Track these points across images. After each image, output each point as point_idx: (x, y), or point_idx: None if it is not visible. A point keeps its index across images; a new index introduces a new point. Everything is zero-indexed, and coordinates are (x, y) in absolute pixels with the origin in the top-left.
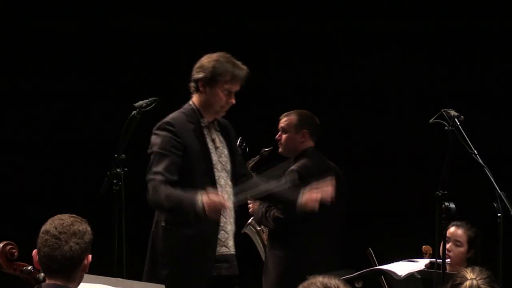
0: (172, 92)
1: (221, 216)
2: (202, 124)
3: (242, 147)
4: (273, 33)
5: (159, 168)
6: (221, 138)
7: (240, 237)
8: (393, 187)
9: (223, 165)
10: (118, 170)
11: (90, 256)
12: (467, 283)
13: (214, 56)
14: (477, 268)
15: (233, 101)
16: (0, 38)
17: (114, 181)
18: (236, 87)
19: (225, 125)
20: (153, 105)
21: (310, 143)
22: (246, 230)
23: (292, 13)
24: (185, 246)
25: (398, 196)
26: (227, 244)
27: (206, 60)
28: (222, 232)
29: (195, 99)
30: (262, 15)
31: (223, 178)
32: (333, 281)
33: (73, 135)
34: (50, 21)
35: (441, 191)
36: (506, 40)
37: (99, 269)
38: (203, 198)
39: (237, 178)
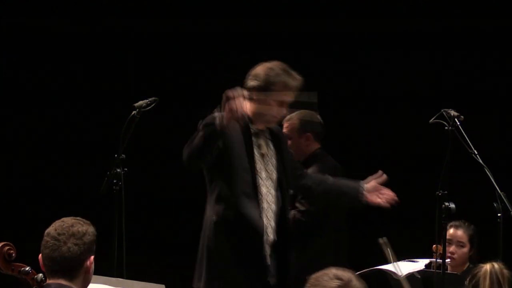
0: (172, 92)
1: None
2: (252, 131)
3: None
4: (274, 33)
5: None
6: (271, 147)
7: None
8: (393, 187)
9: (269, 173)
10: (118, 170)
11: (92, 257)
12: (487, 265)
13: (268, 64)
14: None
15: (286, 112)
16: (5, 39)
17: (114, 181)
18: (289, 97)
19: (277, 132)
20: (153, 105)
21: (316, 145)
22: None
23: (292, 13)
24: (235, 242)
25: (397, 196)
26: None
27: (261, 68)
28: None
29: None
30: (263, 15)
31: (265, 186)
32: (346, 274)
33: (73, 135)
34: (50, 21)
35: (441, 191)
36: (506, 40)
37: (99, 269)
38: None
39: (294, 178)
